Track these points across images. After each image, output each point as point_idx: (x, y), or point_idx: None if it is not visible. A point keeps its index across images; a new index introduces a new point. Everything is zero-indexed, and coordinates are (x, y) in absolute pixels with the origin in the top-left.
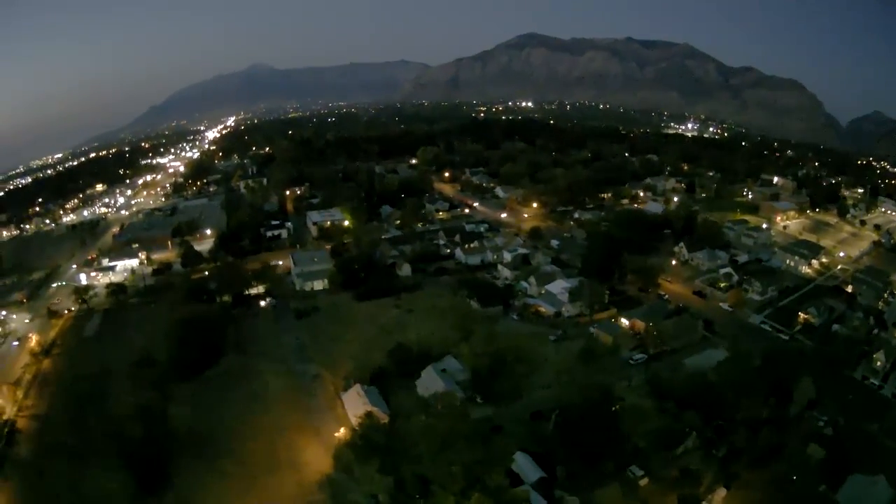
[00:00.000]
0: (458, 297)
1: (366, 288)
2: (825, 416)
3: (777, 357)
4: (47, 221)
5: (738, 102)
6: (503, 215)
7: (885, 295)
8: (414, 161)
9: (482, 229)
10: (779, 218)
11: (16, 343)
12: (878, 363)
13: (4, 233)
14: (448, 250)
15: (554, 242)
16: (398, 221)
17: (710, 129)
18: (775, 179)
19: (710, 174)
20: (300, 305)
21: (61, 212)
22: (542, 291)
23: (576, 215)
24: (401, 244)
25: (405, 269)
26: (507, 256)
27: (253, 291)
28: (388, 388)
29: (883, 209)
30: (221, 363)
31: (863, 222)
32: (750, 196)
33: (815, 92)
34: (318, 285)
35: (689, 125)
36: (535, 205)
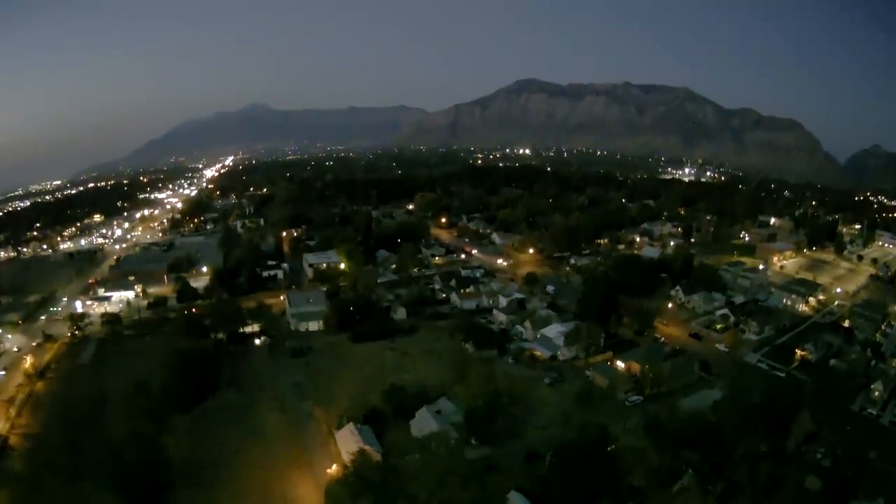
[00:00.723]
0: (454, 341)
1: (361, 330)
2: (823, 447)
3: (775, 393)
4: (45, 247)
5: (737, 144)
6: (499, 261)
7: (883, 327)
8: (411, 206)
9: (478, 274)
10: (776, 258)
11: (8, 365)
12: (877, 393)
13: (2, 253)
14: (444, 295)
15: (550, 288)
16: (394, 266)
17: (708, 173)
18: (772, 220)
19: (708, 218)
20: (295, 345)
21: (59, 238)
22: (538, 335)
23: (572, 261)
24: (397, 288)
25: (401, 313)
26: (503, 301)
27: (248, 329)
28: (382, 427)
29: (880, 242)
30: (217, 397)
31: (860, 257)
32: (747, 238)
33: (814, 129)
34: (314, 326)
35: (687, 170)
36: (531, 251)
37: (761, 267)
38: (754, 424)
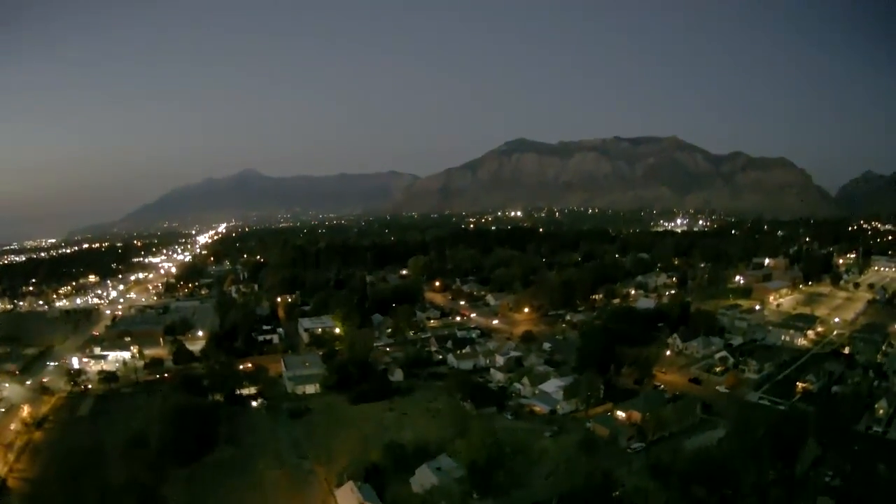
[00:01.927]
0: (452, 399)
1: (359, 391)
2: (831, 470)
3: (779, 423)
4: (41, 302)
5: (730, 188)
6: (495, 322)
7: (884, 347)
8: (405, 271)
9: (474, 335)
10: (771, 297)
11: (3, 410)
12: (881, 411)
13: None
14: (440, 356)
15: (546, 345)
16: (390, 329)
17: (700, 221)
18: (767, 261)
19: (702, 265)
20: (293, 406)
21: (55, 295)
22: (536, 391)
23: (568, 317)
24: (393, 351)
25: (398, 374)
26: (500, 360)
27: (245, 391)
28: (382, 485)
29: (876, 268)
30: (215, 453)
31: (856, 285)
32: (742, 281)
33: (805, 164)
34: (310, 389)
35: (679, 221)
36: (526, 310)
37: (757, 307)
38: (760, 455)
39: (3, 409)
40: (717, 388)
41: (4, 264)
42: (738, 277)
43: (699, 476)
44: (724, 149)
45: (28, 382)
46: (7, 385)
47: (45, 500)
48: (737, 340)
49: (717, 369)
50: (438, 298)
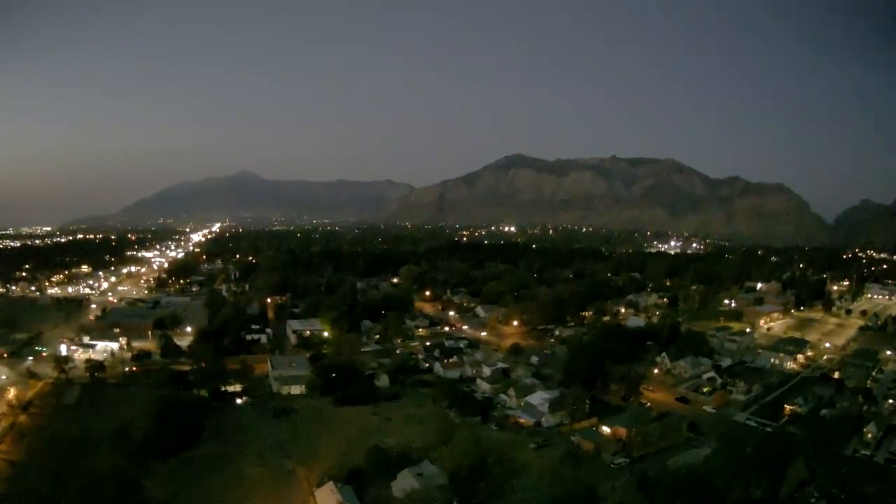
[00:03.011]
0: (438, 407)
1: (344, 394)
2: (817, 492)
3: (766, 444)
4: (33, 289)
5: (725, 213)
6: (483, 334)
7: (874, 373)
8: (396, 279)
9: (462, 345)
10: (762, 321)
11: None
12: (870, 435)
13: None
14: (427, 364)
15: (534, 358)
16: (378, 336)
17: (694, 244)
18: (759, 285)
19: (694, 287)
20: (278, 405)
21: (47, 283)
22: (522, 403)
23: (556, 332)
24: (381, 357)
25: (384, 380)
26: (487, 371)
27: (231, 388)
28: (363, 488)
29: (870, 295)
30: (198, 448)
31: (849, 311)
32: (733, 304)
33: (802, 191)
34: (296, 390)
35: (673, 243)
36: (515, 323)
37: (748, 330)
38: (746, 474)
39: None
40: (704, 407)
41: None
42: (729, 300)
43: (685, 492)
44: (722, 173)
45: (16, 366)
46: None
47: (27, 483)
48: (726, 362)
49: (705, 389)
50: (428, 308)
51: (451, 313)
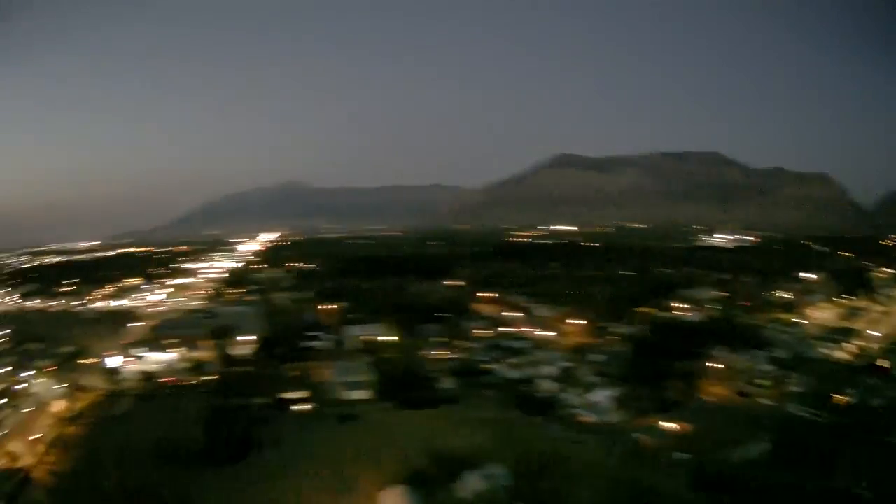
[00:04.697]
0: (500, 408)
1: (407, 398)
2: (866, 482)
3: (817, 435)
4: (78, 303)
5: (768, 204)
6: (544, 333)
7: None
8: (455, 282)
9: (523, 345)
10: (810, 311)
11: (36, 406)
12: None
13: (33, 303)
14: (488, 365)
15: (595, 356)
16: (438, 339)
17: (742, 237)
18: (805, 275)
19: (746, 279)
20: (339, 412)
21: (92, 297)
22: (584, 401)
23: (616, 330)
24: (441, 360)
25: (445, 383)
26: (548, 370)
27: (290, 396)
28: (426, 492)
29: None
30: (255, 456)
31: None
32: (782, 295)
33: (844, 179)
34: (358, 395)
35: (722, 236)
36: (576, 321)
37: (797, 321)
38: (797, 466)
39: (34, 406)
40: (762, 400)
41: (40, 265)
42: (778, 292)
43: (740, 487)
44: (764, 163)
45: (62, 379)
46: (39, 381)
47: (71, 493)
48: (779, 354)
49: (761, 382)
50: (488, 309)
51: (511, 313)
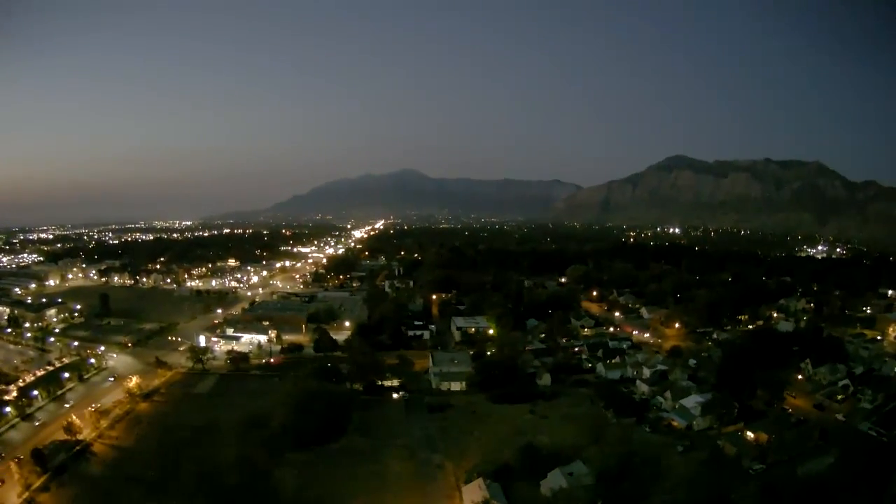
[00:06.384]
0: (595, 407)
1: (502, 391)
2: None
3: (881, 453)
4: (168, 280)
5: (860, 218)
6: (646, 335)
7: None
8: (563, 279)
9: (625, 346)
10: (891, 329)
11: (111, 379)
12: None
13: (116, 279)
14: (590, 364)
15: (691, 361)
16: (543, 335)
17: (838, 249)
18: (890, 292)
19: (836, 293)
20: (434, 401)
21: (186, 276)
22: (676, 405)
23: (714, 335)
24: (544, 356)
25: (545, 379)
26: (647, 372)
27: (387, 383)
28: (511, 485)
29: None
30: (342, 440)
31: None
32: (868, 311)
33: None
34: (455, 386)
35: (820, 247)
36: (676, 325)
37: (878, 337)
38: (858, 484)
39: (111, 379)
40: (837, 415)
41: (127, 241)
42: (865, 307)
43: (805, 501)
44: (860, 176)
45: (141, 356)
46: (115, 356)
47: (132, 468)
48: (858, 369)
49: (839, 396)
50: (594, 308)
51: (616, 314)
